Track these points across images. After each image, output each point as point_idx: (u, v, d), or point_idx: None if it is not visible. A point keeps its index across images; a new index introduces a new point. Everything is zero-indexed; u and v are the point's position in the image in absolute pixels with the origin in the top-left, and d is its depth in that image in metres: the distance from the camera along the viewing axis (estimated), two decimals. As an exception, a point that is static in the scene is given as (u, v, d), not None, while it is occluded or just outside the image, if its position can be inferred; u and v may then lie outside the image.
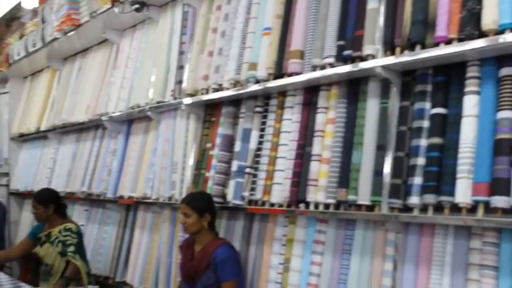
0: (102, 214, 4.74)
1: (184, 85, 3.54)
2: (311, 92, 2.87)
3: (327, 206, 2.64)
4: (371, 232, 2.55)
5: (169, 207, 3.72)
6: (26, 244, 4.14)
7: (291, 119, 2.91)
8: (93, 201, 4.78)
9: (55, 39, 4.97)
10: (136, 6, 3.83)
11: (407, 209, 2.33)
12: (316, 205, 2.68)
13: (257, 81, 3.00)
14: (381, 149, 2.47)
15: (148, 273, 3.89)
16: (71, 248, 3.78)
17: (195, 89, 3.45)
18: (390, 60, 2.37)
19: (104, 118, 4.42)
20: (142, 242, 4.03)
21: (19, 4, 4.89)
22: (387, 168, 2.40)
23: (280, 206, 2.85)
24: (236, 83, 3.13)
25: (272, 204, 2.89)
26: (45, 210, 3.94)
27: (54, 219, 3.98)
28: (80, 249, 3.89)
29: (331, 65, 2.64)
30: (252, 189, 3.00)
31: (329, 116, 2.73)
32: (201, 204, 3.02)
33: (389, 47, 2.43)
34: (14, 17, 5.91)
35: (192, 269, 3.00)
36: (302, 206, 2.73)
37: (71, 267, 3.73)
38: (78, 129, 5.17)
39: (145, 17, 4.16)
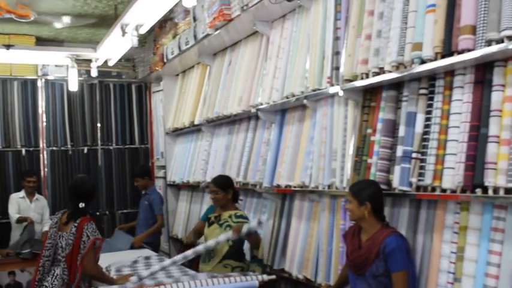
0: (257, 203, 4.86)
1: (341, 71, 3.48)
2: (483, 69, 2.68)
3: (507, 190, 2.45)
4: (562, 219, 2.33)
5: (328, 195, 3.70)
6: (201, 226, 4.39)
7: (462, 99, 2.75)
8: (247, 190, 4.91)
9: (207, 35, 5.16)
10: (289, -5, 3.84)
11: None
12: (495, 190, 2.50)
13: (422, 62, 2.86)
14: None
15: (307, 262, 3.91)
16: None
17: (354, 74, 3.37)
18: None
19: (258, 108, 4.50)
20: (300, 230, 4.06)
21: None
22: None
23: (453, 191, 2.70)
24: (399, 65, 3.01)
25: (443, 190, 2.75)
26: (225, 195, 4.18)
27: (228, 205, 4.21)
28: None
29: (510, 38, 2.43)
30: (420, 174, 2.87)
31: (507, 94, 2.54)
32: (362, 193, 2.97)
33: None
34: (167, 18, 6.24)
35: (360, 258, 2.95)
36: (479, 191, 2.56)
37: (254, 236, 3.92)
38: (231, 121, 5.33)
39: (295, 5, 4.16)
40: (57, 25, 5.65)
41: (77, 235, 3.64)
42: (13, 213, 6.23)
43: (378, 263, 2.85)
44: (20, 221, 6.11)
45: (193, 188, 6.44)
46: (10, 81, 7.48)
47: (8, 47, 6.55)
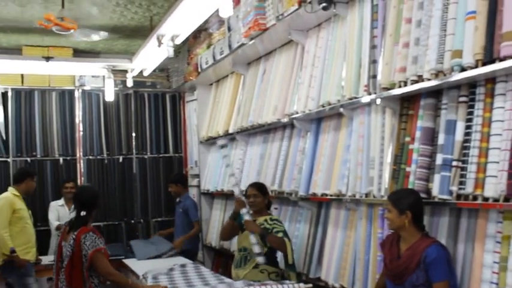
0: (292, 212, 4.86)
1: (379, 79, 3.47)
2: (526, 76, 2.65)
3: (553, 199, 2.41)
4: None
5: (365, 203, 3.68)
6: (232, 226, 4.44)
7: (504, 107, 2.71)
8: (282, 199, 4.91)
9: (242, 45, 5.20)
10: (324, 4, 3.84)
11: None
12: (540, 199, 2.46)
13: (463, 69, 2.83)
14: None
15: (344, 271, 3.88)
16: (280, 234, 4.05)
17: (391, 82, 3.35)
18: None
19: (293, 117, 4.50)
20: (337, 239, 4.04)
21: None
22: None
23: (496, 200, 2.66)
24: (438, 73, 2.98)
25: (485, 199, 2.71)
26: (263, 200, 4.32)
27: (263, 210, 4.33)
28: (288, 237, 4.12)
29: (554, 45, 2.40)
30: (461, 183, 2.84)
31: (551, 101, 2.50)
32: (402, 202, 2.95)
33: None
34: (201, 28, 6.30)
35: (399, 267, 2.93)
36: (523, 199, 2.53)
37: (277, 240, 4.00)
38: (265, 130, 5.35)
39: (331, 14, 4.16)
40: (94, 37, 5.78)
41: (75, 248, 3.66)
42: (53, 219, 6.39)
43: (419, 272, 2.82)
44: (58, 228, 6.24)
45: (227, 196, 6.47)
46: (48, 92, 7.70)
47: (47, 59, 6.73)
